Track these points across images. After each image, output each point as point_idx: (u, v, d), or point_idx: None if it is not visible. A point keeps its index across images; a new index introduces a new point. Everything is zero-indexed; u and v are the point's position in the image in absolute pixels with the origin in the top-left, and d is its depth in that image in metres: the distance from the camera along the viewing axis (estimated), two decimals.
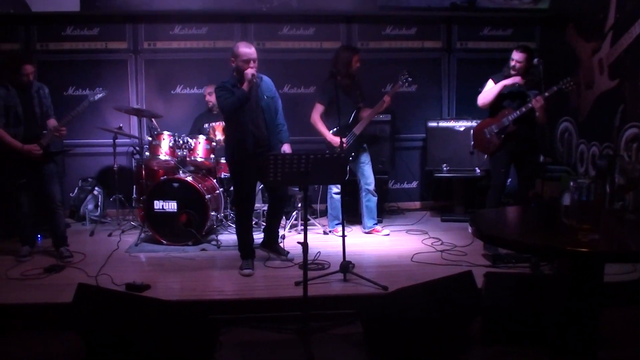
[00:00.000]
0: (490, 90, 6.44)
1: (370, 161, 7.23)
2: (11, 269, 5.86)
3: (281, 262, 6.16)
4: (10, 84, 6.06)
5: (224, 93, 5.68)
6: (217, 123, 7.64)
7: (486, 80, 6.54)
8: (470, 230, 3.05)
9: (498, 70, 6.52)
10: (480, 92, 6.54)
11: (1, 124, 6.01)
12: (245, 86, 5.61)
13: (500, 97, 6.39)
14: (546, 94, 6.01)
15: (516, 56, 6.28)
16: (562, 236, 2.81)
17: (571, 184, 2.87)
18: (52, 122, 6.27)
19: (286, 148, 6.17)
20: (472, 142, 6.83)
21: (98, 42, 8.53)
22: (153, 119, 7.53)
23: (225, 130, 5.92)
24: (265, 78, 5.97)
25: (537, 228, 3.33)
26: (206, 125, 7.85)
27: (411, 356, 4.13)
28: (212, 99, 7.88)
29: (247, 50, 5.67)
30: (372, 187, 7.18)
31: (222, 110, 5.78)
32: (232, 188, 7.54)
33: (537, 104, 6.04)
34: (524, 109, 6.15)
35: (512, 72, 6.30)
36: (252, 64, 5.65)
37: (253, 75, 5.61)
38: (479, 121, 6.88)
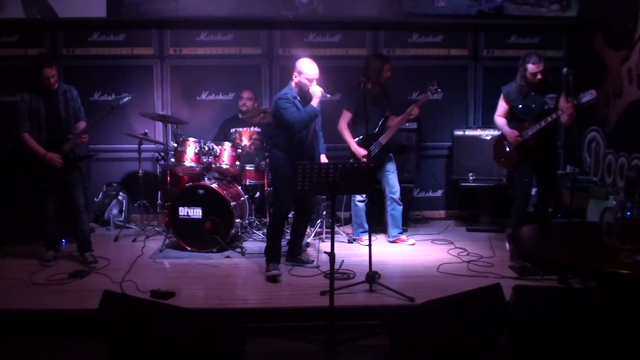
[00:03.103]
0: (500, 126, 6.49)
1: (396, 170, 7.19)
2: (36, 274, 5.87)
3: (306, 269, 6.14)
4: (35, 89, 6.07)
5: (290, 106, 5.78)
6: (244, 129, 7.64)
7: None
8: (507, 247, 2.99)
9: None
10: (497, 105, 6.53)
11: (27, 129, 6.04)
12: (315, 103, 5.79)
13: (516, 111, 6.34)
14: (575, 102, 5.88)
15: (536, 68, 6.11)
16: (603, 257, 2.74)
17: (613, 202, 2.79)
18: (82, 125, 6.28)
19: (323, 158, 6.46)
20: (494, 155, 6.75)
21: (124, 47, 8.55)
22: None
23: (274, 138, 5.95)
24: None
25: (578, 248, 3.26)
26: (232, 130, 7.82)
27: None
28: (249, 104, 7.90)
29: (314, 69, 5.84)
30: (397, 196, 7.14)
31: (291, 124, 5.76)
32: (257, 194, 7.57)
33: (567, 110, 5.93)
34: (543, 123, 6.07)
35: (530, 85, 6.20)
36: (315, 82, 5.82)
37: (322, 93, 5.77)
38: (495, 139, 6.84)
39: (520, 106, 6.30)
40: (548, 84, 6.25)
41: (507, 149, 6.40)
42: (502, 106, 6.49)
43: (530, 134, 6.16)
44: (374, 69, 6.88)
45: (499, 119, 6.50)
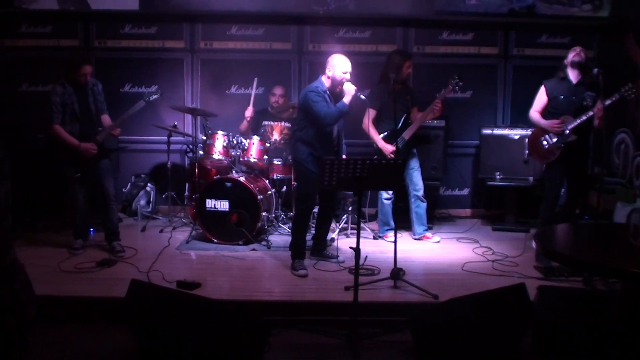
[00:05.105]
0: (536, 121, 6.39)
1: (419, 167, 7.18)
2: (64, 262, 5.98)
3: (330, 264, 6.17)
4: (67, 82, 6.18)
5: (321, 100, 5.80)
6: (276, 123, 7.64)
7: (539, 86, 6.48)
8: (534, 246, 3.00)
9: None
10: (534, 100, 6.47)
11: (58, 120, 6.15)
12: (347, 100, 5.79)
13: (556, 102, 6.29)
14: (607, 102, 5.86)
15: (577, 49, 6.19)
16: (630, 258, 2.75)
17: None
18: (106, 119, 6.40)
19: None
20: (530, 150, 6.67)
21: (155, 40, 8.62)
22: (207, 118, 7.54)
23: (300, 131, 5.96)
24: None
25: (604, 248, 3.26)
26: (265, 123, 7.82)
27: None
28: (281, 101, 7.88)
29: (347, 63, 5.87)
30: (420, 193, 7.13)
31: (321, 118, 5.77)
32: (284, 188, 7.61)
33: (598, 113, 5.91)
34: (584, 117, 6.02)
35: (577, 59, 6.13)
36: (348, 76, 5.85)
37: (356, 91, 5.78)
38: (531, 133, 6.78)
39: (562, 97, 6.24)
40: (588, 78, 6.17)
41: (545, 144, 6.31)
42: (540, 100, 6.41)
43: (570, 128, 6.11)
44: (394, 65, 6.84)
45: (535, 114, 6.41)
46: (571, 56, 6.19)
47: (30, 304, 2.21)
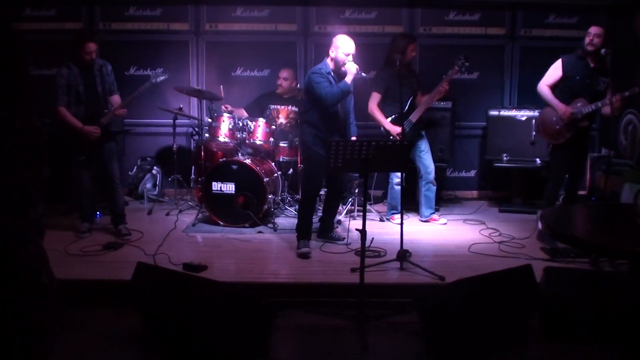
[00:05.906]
0: (546, 95, 6.29)
1: (429, 149, 7.15)
2: (71, 245, 6.00)
3: (337, 246, 6.17)
4: (73, 63, 6.15)
5: (324, 80, 5.77)
6: (283, 107, 7.59)
7: (556, 59, 6.37)
8: (540, 226, 2.98)
9: None
10: (546, 73, 6.39)
11: (63, 102, 6.12)
12: (349, 80, 5.77)
13: (572, 82, 6.22)
14: (626, 93, 5.76)
15: (595, 30, 6.08)
16: (636, 238, 2.72)
17: None
18: (116, 99, 6.39)
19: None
20: (539, 128, 6.58)
21: (160, 22, 8.57)
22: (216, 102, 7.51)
23: (305, 113, 5.95)
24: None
25: (610, 229, 3.24)
26: (272, 107, 7.72)
27: (468, 348, 4.09)
28: (285, 84, 7.83)
29: (350, 45, 5.84)
30: (432, 176, 7.11)
31: (323, 98, 5.72)
32: (290, 171, 7.59)
33: (615, 103, 5.82)
34: (599, 104, 5.94)
35: (590, 48, 6.05)
36: (351, 57, 5.81)
37: (358, 70, 5.75)
38: (541, 111, 6.71)
39: (578, 77, 6.15)
40: (605, 63, 6.06)
41: (557, 126, 6.21)
42: (553, 74, 6.30)
43: (585, 113, 6.03)
44: (398, 48, 6.77)
45: (545, 88, 6.30)
46: (586, 42, 6.10)
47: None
